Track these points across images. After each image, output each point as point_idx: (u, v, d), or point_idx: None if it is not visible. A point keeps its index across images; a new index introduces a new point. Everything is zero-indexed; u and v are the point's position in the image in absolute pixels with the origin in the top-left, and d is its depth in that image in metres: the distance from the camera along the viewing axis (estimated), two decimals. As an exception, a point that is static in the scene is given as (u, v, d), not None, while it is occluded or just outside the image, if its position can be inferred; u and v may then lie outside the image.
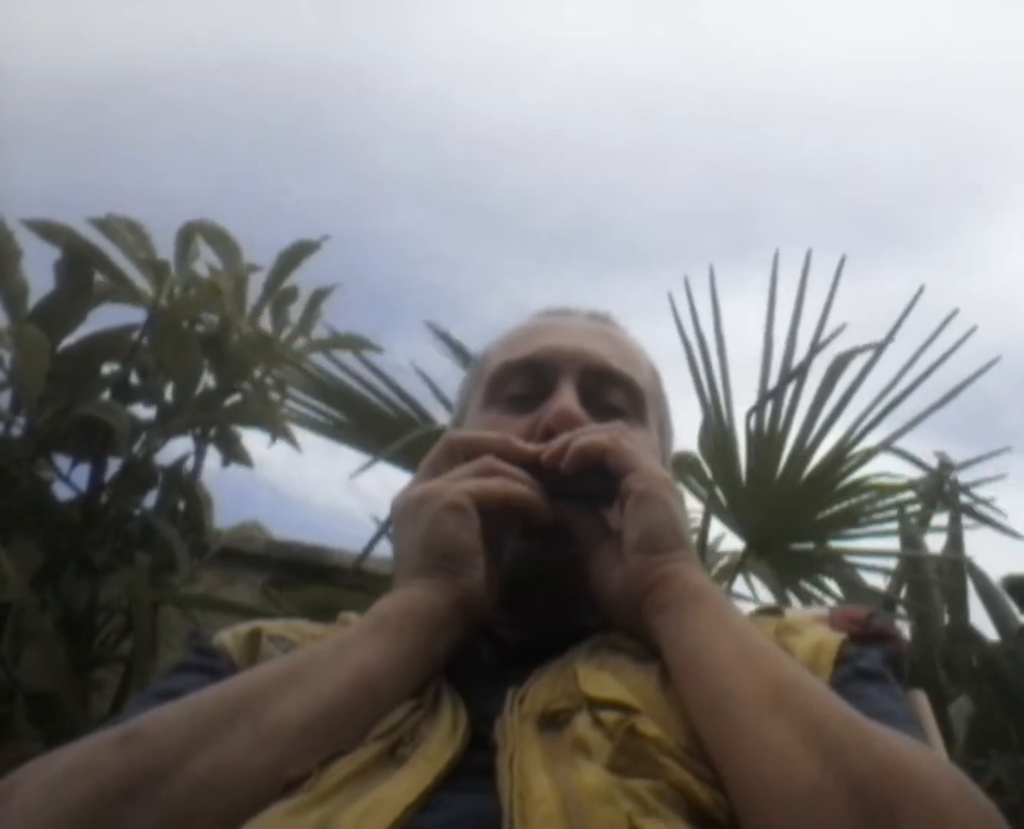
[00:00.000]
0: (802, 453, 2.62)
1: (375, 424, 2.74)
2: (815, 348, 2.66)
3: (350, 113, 5.89)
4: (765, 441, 2.60)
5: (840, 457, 2.61)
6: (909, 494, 2.73)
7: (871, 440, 2.66)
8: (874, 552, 2.71)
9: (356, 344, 2.88)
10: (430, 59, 5.52)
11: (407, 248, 5.82)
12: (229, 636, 1.11)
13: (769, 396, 2.62)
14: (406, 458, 2.62)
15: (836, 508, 2.64)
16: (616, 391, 1.18)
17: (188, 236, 2.96)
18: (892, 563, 2.76)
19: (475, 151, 5.84)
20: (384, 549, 2.77)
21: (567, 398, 1.13)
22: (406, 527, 1.02)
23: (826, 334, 2.68)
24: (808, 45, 5.56)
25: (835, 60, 5.44)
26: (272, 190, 5.74)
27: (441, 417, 2.69)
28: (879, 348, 2.68)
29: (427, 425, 2.68)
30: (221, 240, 2.97)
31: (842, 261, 2.73)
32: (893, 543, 2.74)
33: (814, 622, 1.08)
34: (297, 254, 2.98)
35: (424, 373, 2.77)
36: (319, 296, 2.96)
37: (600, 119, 5.80)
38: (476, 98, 5.86)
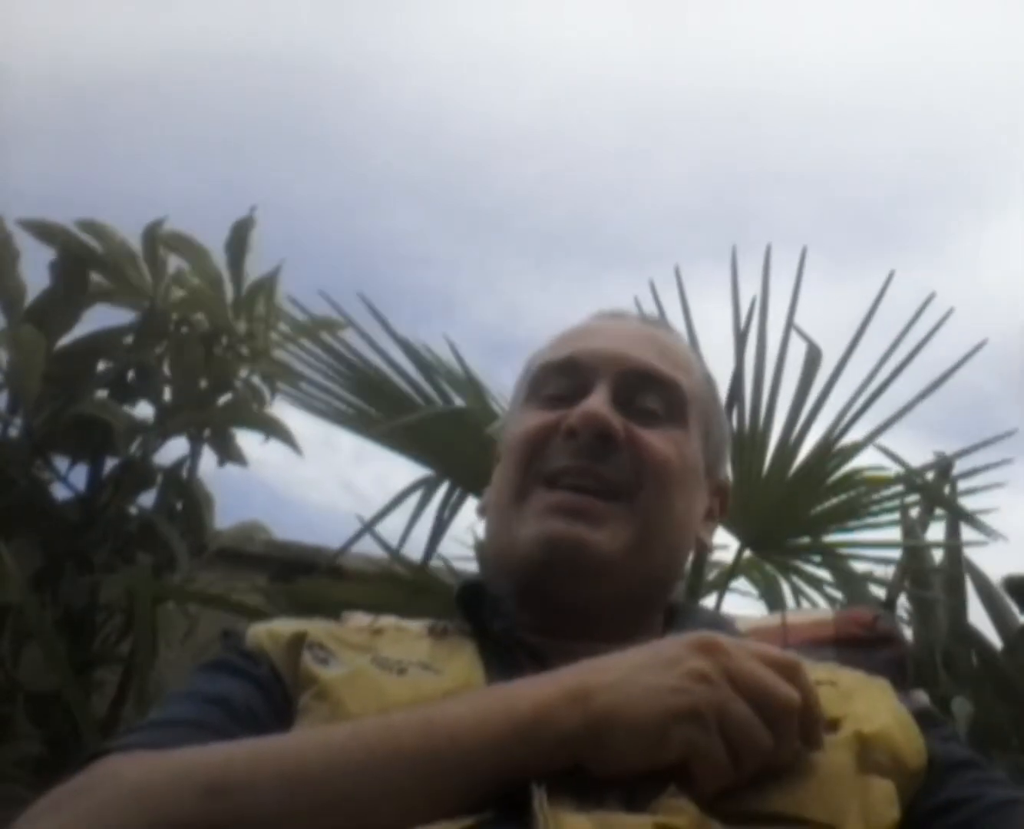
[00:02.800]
0: (787, 449, 2.61)
1: (389, 404, 2.73)
2: (739, 337, 2.64)
3: (347, 112, 5.90)
4: (748, 439, 2.60)
5: (827, 451, 2.61)
6: (902, 487, 2.72)
7: (859, 433, 2.65)
8: (871, 544, 2.70)
9: (330, 326, 2.82)
10: (426, 58, 5.52)
11: (403, 248, 5.82)
12: (267, 637, 1.08)
13: (733, 391, 2.62)
14: (414, 440, 2.64)
15: (829, 503, 2.63)
16: (653, 394, 1.17)
17: (152, 240, 2.92)
18: (890, 555, 2.76)
19: (471, 151, 5.84)
20: (368, 546, 2.79)
21: (595, 399, 1.12)
22: (645, 654, 0.90)
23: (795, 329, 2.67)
24: (804, 45, 5.57)
25: (832, 60, 5.45)
26: (269, 189, 5.74)
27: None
28: (854, 338, 2.67)
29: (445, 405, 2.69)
30: (184, 245, 2.94)
31: (803, 253, 2.71)
32: (890, 536, 2.74)
33: (866, 685, 1.06)
34: (239, 237, 2.92)
35: (455, 350, 2.76)
36: (269, 281, 2.90)
37: (597, 119, 5.80)
38: (473, 98, 5.86)
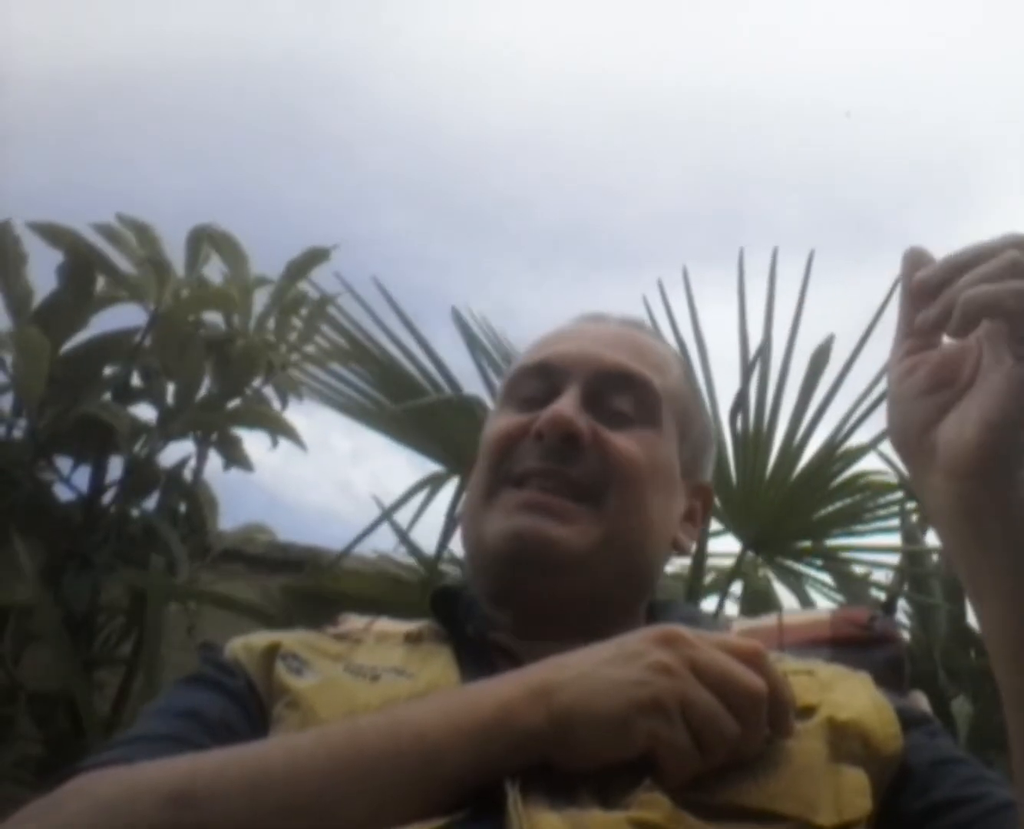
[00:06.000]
0: (791, 452, 2.60)
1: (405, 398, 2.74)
2: (763, 347, 2.65)
3: (340, 114, 5.89)
4: (752, 441, 2.61)
5: (830, 455, 2.60)
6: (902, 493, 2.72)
7: (863, 436, 2.65)
8: (872, 548, 2.71)
9: (358, 355, 2.87)
10: (420, 60, 5.52)
11: (396, 250, 5.81)
12: (242, 650, 1.09)
13: (741, 396, 2.62)
14: (425, 434, 2.65)
15: (832, 507, 2.63)
16: (625, 396, 1.17)
17: (198, 241, 2.95)
18: (891, 559, 2.76)
19: (465, 152, 5.84)
20: (369, 547, 2.80)
21: (563, 402, 1.13)
22: (609, 649, 0.91)
23: (802, 330, 2.68)
24: (799, 46, 5.58)
25: (826, 61, 5.47)
26: (261, 192, 5.74)
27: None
28: (860, 341, 2.68)
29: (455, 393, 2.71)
30: (228, 246, 2.97)
31: (811, 256, 2.72)
32: (893, 540, 2.74)
33: (845, 676, 1.06)
34: (306, 263, 2.97)
35: (472, 334, 2.81)
36: (323, 303, 2.94)
37: (589, 120, 5.80)
38: (466, 99, 5.86)
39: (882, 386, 2.63)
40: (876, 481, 2.64)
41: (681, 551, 1.26)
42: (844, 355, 2.69)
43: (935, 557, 2.82)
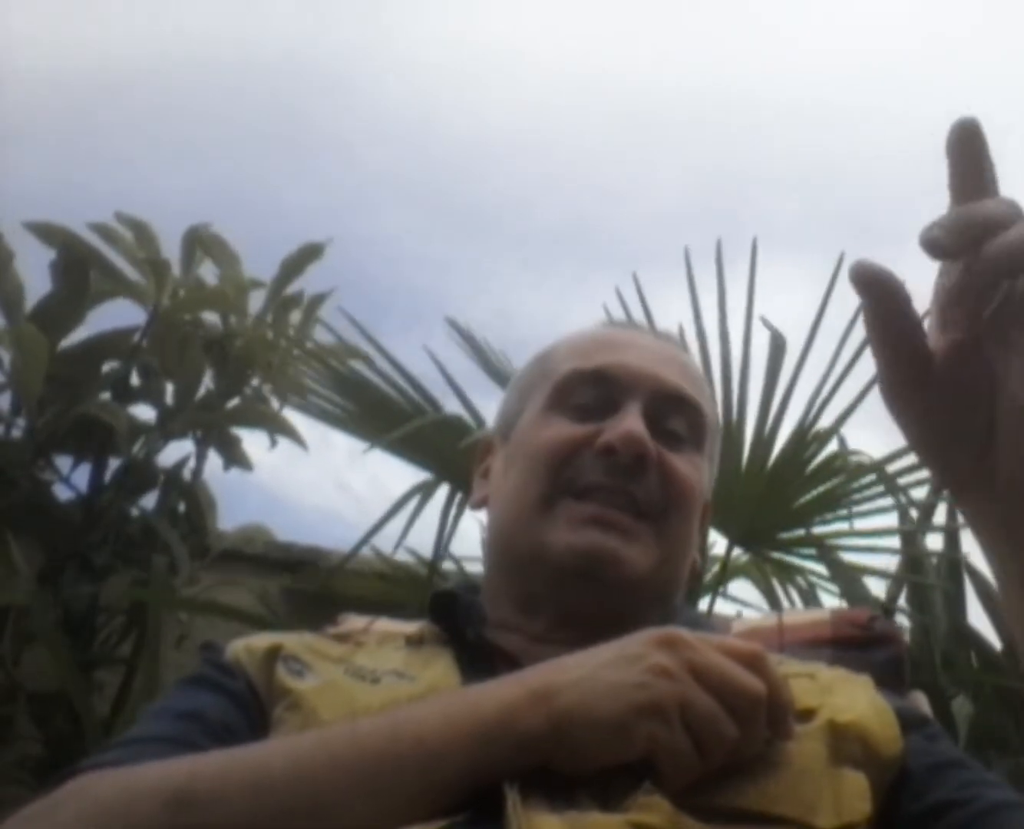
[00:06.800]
0: (763, 439, 2.59)
1: (385, 413, 2.74)
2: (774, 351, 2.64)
3: (339, 114, 5.89)
4: (723, 434, 2.59)
5: (802, 438, 2.58)
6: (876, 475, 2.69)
7: (829, 419, 2.62)
8: (863, 532, 2.69)
9: (351, 353, 2.87)
10: (419, 60, 5.51)
11: (394, 250, 5.81)
12: (244, 651, 1.09)
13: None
14: (410, 446, 2.66)
15: (813, 492, 2.60)
16: (680, 418, 1.18)
17: (192, 242, 2.95)
18: (882, 543, 2.73)
19: (462, 152, 5.84)
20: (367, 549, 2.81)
21: (633, 420, 1.13)
22: (609, 652, 0.90)
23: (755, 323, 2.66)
24: (795, 46, 5.58)
25: (822, 61, 5.47)
26: (261, 192, 5.73)
27: (451, 405, 2.75)
28: (813, 325, 2.64)
29: (436, 413, 2.72)
30: (218, 248, 2.96)
31: (754, 242, 2.70)
32: (884, 522, 2.72)
33: (846, 680, 1.05)
34: (301, 259, 2.97)
35: (437, 360, 2.80)
36: (317, 301, 2.94)
37: (589, 120, 5.80)
38: (464, 99, 5.86)
39: (842, 364, 2.61)
40: (854, 462, 2.63)
41: (695, 574, 1.27)
42: (823, 345, 2.68)
43: (930, 545, 2.81)
